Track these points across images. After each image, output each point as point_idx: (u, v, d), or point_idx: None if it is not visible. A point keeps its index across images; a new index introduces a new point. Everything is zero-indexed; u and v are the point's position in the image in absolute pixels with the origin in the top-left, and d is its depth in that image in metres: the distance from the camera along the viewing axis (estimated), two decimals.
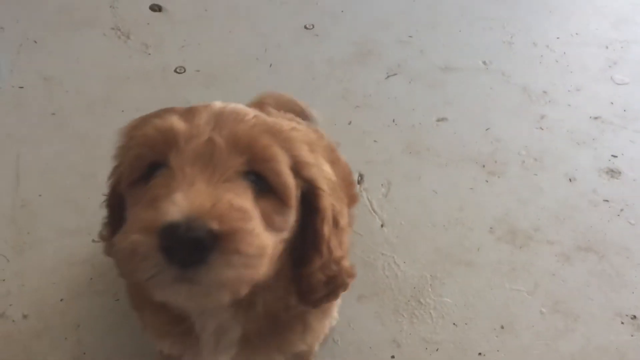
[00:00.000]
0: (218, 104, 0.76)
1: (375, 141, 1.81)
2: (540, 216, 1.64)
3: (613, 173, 1.75)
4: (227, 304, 0.75)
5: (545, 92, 1.99)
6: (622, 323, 1.43)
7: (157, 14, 2.17)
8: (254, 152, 0.71)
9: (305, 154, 0.76)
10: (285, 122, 0.79)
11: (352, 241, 1.54)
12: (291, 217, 0.76)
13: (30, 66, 1.93)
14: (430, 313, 1.43)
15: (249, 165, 0.71)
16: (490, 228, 1.61)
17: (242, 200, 0.68)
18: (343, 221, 0.85)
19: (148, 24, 2.12)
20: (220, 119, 0.73)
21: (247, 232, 0.65)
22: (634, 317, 1.44)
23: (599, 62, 2.11)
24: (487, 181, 1.72)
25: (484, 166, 1.76)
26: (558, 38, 2.20)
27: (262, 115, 0.78)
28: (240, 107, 0.78)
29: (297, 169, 0.75)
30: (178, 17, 2.15)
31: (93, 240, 1.48)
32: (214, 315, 0.87)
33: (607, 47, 2.17)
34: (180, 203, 0.63)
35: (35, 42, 2.01)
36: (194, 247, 0.62)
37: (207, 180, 0.67)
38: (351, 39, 2.15)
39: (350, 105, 1.91)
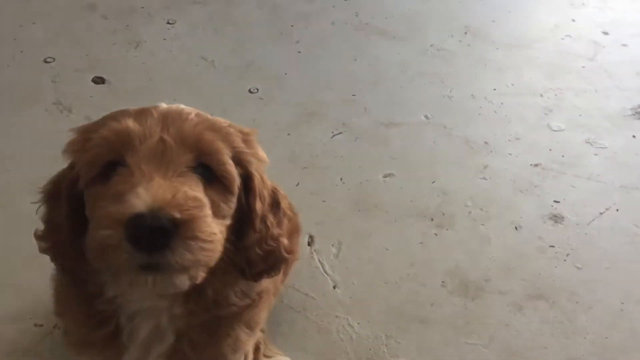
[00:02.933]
0: (164, 105, 0.85)
1: (324, 201, 1.82)
2: (490, 266, 1.66)
3: (557, 218, 1.79)
4: (174, 298, 0.86)
5: (486, 142, 2.05)
6: None
7: (99, 86, 2.16)
8: (201, 147, 0.80)
9: (241, 145, 0.87)
10: (222, 119, 0.89)
11: (305, 305, 1.54)
12: (233, 203, 0.85)
13: None
14: None
15: (197, 160, 0.80)
16: (442, 282, 1.62)
17: (195, 191, 0.77)
18: (284, 203, 0.96)
19: (91, 96, 2.11)
20: (167, 119, 0.81)
21: (202, 220, 0.75)
22: None
23: (535, 110, 2.19)
24: (436, 234, 1.74)
25: (432, 219, 1.78)
26: (495, 89, 2.28)
27: (203, 114, 0.87)
28: (183, 107, 0.87)
29: (237, 158, 0.85)
30: (121, 89, 2.16)
31: (35, 325, 1.43)
32: (149, 317, 0.91)
33: (541, 96, 2.26)
34: (144, 196, 0.71)
35: None
36: (158, 234, 0.70)
37: (164, 175, 0.75)
38: (296, 101, 2.18)
39: (297, 166, 1.93)
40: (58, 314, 1.01)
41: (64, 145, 0.87)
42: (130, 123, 0.80)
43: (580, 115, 2.18)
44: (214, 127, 0.84)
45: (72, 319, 0.98)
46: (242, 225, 0.89)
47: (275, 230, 0.93)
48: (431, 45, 2.49)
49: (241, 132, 0.89)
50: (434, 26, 2.60)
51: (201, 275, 0.79)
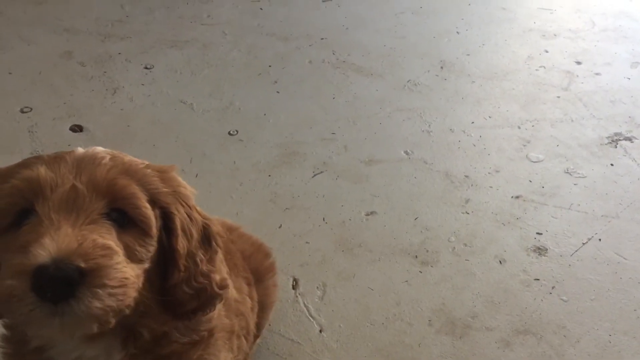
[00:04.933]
0: (80, 150, 0.84)
1: (307, 242, 1.80)
2: (476, 302, 1.65)
3: (540, 250, 1.80)
4: (110, 345, 0.84)
5: (466, 176, 2.06)
6: None
7: (77, 134, 2.15)
8: (114, 192, 0.80)
9: (158, 185, 0.85)
10: (138, 161, 0.87)
11: (291, 351, 1.52)
12: (152, 246, 0.83)
13: None
14: None
15: (110, 205, 0.79)
16: (429, 320, 1.60)
17: (105, 239, 0.76)
18: (216, 242, 0.94)
19: (69, 145, 2.10)
20: (81, 165, 0.80)
21: (110, 267, 0.73)
22: None
23: (513, 142, 2.22)
24: (420, 272, 1.73)
25: (416, 257, 1.77)
26: (473, 122, 2.30)
27: (119, 157, 0.85)
28: (99, 150, 0.86)
29: (154, 200, 0.84)
30: (100, 136, 2.15)
31: None
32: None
33: (519, 127, 2.29)
34: (48, 246, 0.71)
35: None
36: (63, 284, 0.70)
37: (73, 224, 0.74)
38: (276, 141, 2.18)
39: (279, 208, 1.92)
40: None
41: None
42: (42, 171, 0.78)
43: (557, 145, 2.20)
44: (129, 171, 0.83)
45: None
46: (166, 265, 0.88)
47: (205, 267, 0.91)
48: (408, 81, 2.51)
49: (159, 171, 0.87)
50: (410, 62, 2.64)
51: (112, 320, 0.76)
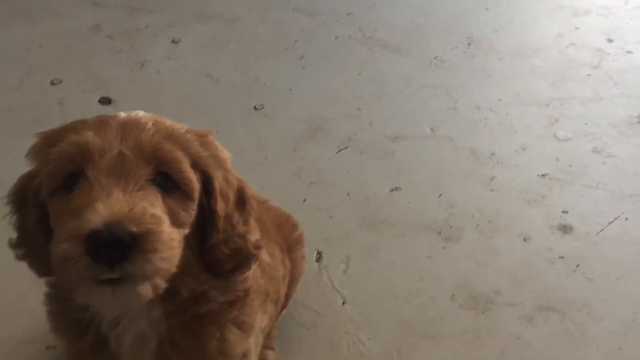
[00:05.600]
0: (123, 115, 0.87)
1: (331, 217, 1.81)
2: (500, 279, 1.65)
3: (565, 229, 1.79)
4: (150, 301, 0.84)
5: (492, 153, 2.04)
6: None
7: (106, 106, 2.18)
8: (159, 157, 0.82)
9: (199, 149, 0.87)
10: (178, 125, 0.89)
11: (315, 322, 1.54)
12: (194, 210, 0.86)
13: None
14: None
15: (155, 170, 0.82)
16: (452, 295, 1.61)
17: (154, 205, 0.79)
18: (250, 204, 0.97)
19: None
20: (125, 130, 0.82)
21: (160, 233, 0.76)
22: None
23: (541, 120, 2.19)
24: (444, 248, 1.73)
25: (440, 233, 1.77)
26: (500, 100, 2.28)
27: (161, 121, 0.88)
28: (142, 115, 0.88)
29: (195, 163, 0.86)
30: (127, 108, 2.13)
31: (47, 347, 1.43)
32: (131, 322, 0.93)
33: (547, 105, 2.26)
34: (101, 212, 0.73)
35: None
36: (116, 247, 0.72)
37: (123, 190, 0.77)
38: (301, 117, 2.19)
39: (304, 182, 1.93)
40: (52, 330, 1.02)
41: (28, 149, 0.89)
42: (90, 136, 0.81)
43: (586, 123, 2.17)
44: (172, 135, 0.85)
45: (62, 332, 1.00)
46: (205, 226, 0.91)
47: (241, 228, 0.94)
48: (435, 57, 2.49)
49: (198, 135, 0.90)
50: (437, 38, 2.61)
51: (162, 284, 0.80)
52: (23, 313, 1.51)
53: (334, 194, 1.89)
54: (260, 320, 1.10)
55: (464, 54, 2.52)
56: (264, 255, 1.15)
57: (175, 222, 0.82)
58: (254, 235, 0.98)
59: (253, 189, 1.00)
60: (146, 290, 0.78)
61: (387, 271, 1.67)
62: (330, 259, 1.69)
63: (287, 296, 1.38)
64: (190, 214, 0.86)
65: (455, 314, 1.57)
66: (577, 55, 2.52)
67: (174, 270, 0.80)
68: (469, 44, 2.57)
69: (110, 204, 0.74)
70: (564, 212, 1.84)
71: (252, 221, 0.98)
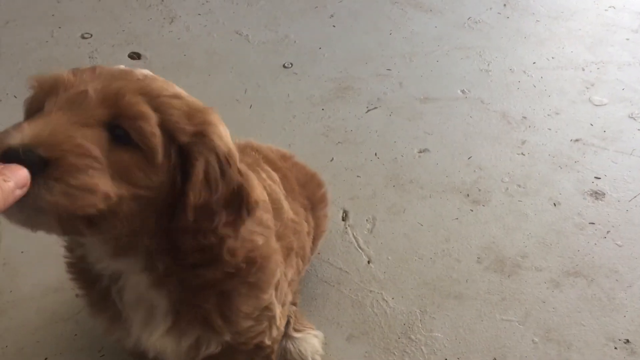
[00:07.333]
0: (121, 67, 0.82)
1: (358, 177, 1.81)
2: (527, 243, 1.63)
3: (597, 195, 1.75)
4: (145, 261, 0.85)
5: (524, 117, 2.00)
6: (616, 348, 1.42)
7: (136, 61, 2.18)
8: (119, 106, 0.76)
9: (180, 119, 0.79)
10: (173, 90, 0.82)
11: (340, 279, 1.54)
12: (155, 175, 0.78)
13: (11, 122, 1.92)
14: (421, 349, 1.41)
15: (112, 118, 0.75)
16: (478, 258, 1.60)
17: (90, 142, 0.72)
18: (248, 210, 0.86)
19: None
20: (107, 75, 0.78)
21: (76, 166, 0.70)
22: (627, 341, 1.43)
23: (576, 84, 2.13)
24: (471, 210, 1.72)
25: (467, 195, 1.75)
26: (534, 63, 2.22)
27: (151, 79, 0.81)
28: (139, 71, 0.82)
29: (169, 131, 0.78)
30: (157, 64, 2.17)
31: (77, 295, 1.46)
32: (128, 279, 0.91)
33: (583, 70, 2.20)
34: (24, 130, 0.70)
35: (15, 97, 2.01)
36: (28, 167, 0.67)
37: (66, 121, 0.72)
38: (330, 76, 2.16)
39: (331, 141, 1.92)
40: (71, 280, 1.03)
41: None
42: (65, 73, 0.78)
43: (623, 89, 2.11)
44: (148, 93, 0.78)
45: (76, 283, 1.02)
46: (177, 206, 0.82)
47: (223, 229, 0.84)
48: (469, 18, 2.43)
49: (192, 107, 0.82)
50: None
51: (73, 223, 0.74)
52: (53, 260, 1.54)
53: (362, 153, 1.88)
54: (284, 274, 1.10)
55: (498, 15, 2.45)
56: (289, 213, 1.14)
57: (124, 177, 0.75)
58: (238, 243, 0.90)
59: (275, 150, 0.93)
60: (44, 220, 0.72)
61: (413, 231, 1.66)
62: (356, 218, 1.69)
63: (311, 250, 1.38)
64: (148, 177, 0.77)
65: (480, 276, 1.56)
66: (616, 18, 2.44)
67: (87, 212, 0.72)
68: (505, 5, 2.50)
69: (34, 126, 0.71)
70: (597, 177, 1.80)
71: (244, 229, 0.89)
